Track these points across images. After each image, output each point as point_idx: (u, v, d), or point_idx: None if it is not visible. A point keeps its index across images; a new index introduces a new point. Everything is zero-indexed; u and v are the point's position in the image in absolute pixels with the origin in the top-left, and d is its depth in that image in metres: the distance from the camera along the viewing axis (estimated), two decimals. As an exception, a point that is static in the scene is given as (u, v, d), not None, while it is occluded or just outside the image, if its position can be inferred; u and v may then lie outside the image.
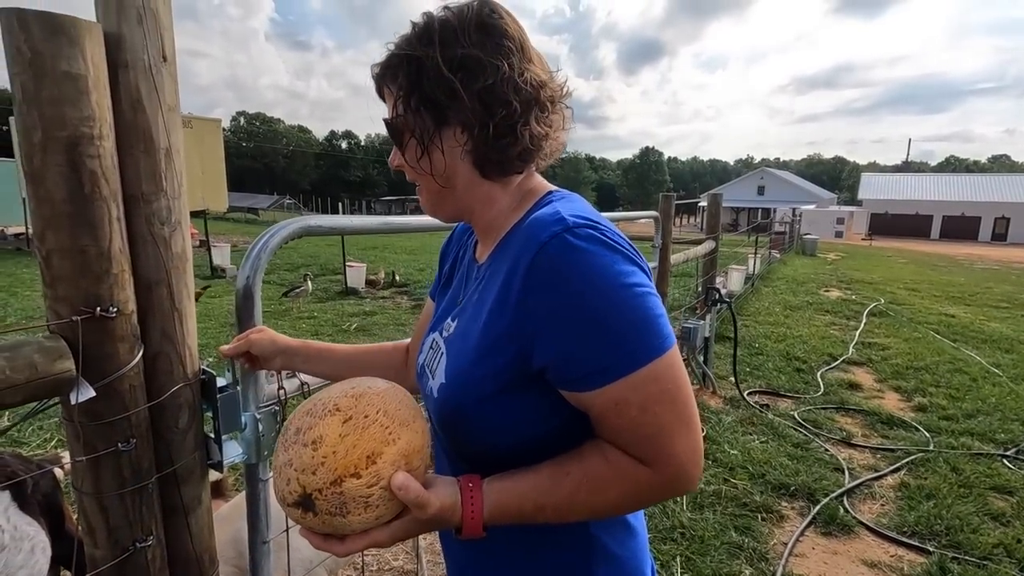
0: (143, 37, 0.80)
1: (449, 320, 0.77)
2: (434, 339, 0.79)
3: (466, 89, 0.64)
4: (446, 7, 0.68)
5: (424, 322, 0.96)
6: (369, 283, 9.20)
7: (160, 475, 0.90)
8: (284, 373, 1.06)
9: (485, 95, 0.65)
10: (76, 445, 0.81)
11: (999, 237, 38.54)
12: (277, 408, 1.07)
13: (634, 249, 0.63)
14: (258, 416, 1.03)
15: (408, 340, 1.11)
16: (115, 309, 0.79)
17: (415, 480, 0.59)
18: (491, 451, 0.67)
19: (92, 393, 0.77)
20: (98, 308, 0.77)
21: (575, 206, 0.66)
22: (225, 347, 0.97)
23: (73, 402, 0.77)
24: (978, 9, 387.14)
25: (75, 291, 0.76)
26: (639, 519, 0.79)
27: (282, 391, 1.07)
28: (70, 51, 0.70)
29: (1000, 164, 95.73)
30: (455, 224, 0.95)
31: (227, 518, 1.29)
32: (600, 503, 0.63)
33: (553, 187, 0.76)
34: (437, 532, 0.87)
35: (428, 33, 0.66)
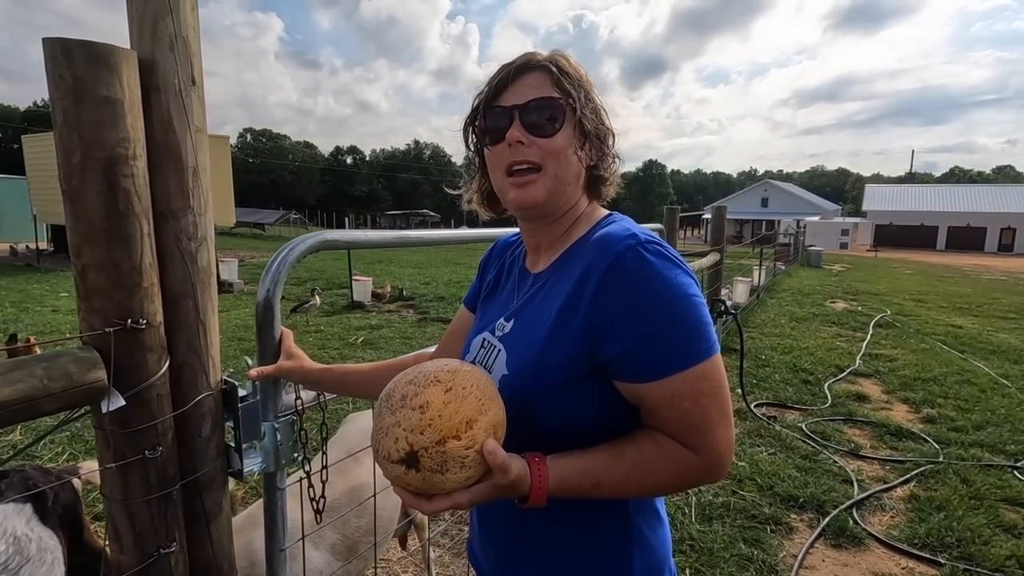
0: (174, 62, 0.84)
1: (503, 320, 0.85)
2: (485, 339, 0.86)
3: (607, 122, 0.82)
4: (569, 57, 0.83)
5: (458, 328, 1.03)
6: (375, 296, 9.25)
7: (184, 482, 0.93)
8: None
9: (613, 134, 0.84)
10: (106, 452, 0.84)
11: (1005, 248, 38.36)
12: (295, 418, 1.10)
13: (689, 266, 0.73)
14: (276, 426, 1.06)
15: (427, 351, 1.15)
16: (145, 321, 0.82)
17: (500, 447, 0.66)
18: (549, 437, 0.74)
19: (123, 402, 0.81)
20: (129, 320, 0.80)
21: (640, 228, 0.77)
22: (253, 371, 1.02)
23: (105, 411, 0.80)
24: (981, 21, 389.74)
25: (109, 304, 0.79)
26: (664, 510, 0.87)
27: (299, 401, 1.10)
28: (109, 77, 0.75)
29: (1004, 175, 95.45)
30: (478, 238, 0.99)
31: (240, 528, 1.31)
32: (650, 483, 0.71)
33: (611, 212, 0.88)
34: (475, 523, 0.95)
35: (578, 70, 0.81)
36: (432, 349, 1.16)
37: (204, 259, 0.92)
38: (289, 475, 1.16)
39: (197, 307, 0.92)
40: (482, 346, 0.86)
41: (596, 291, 0.70)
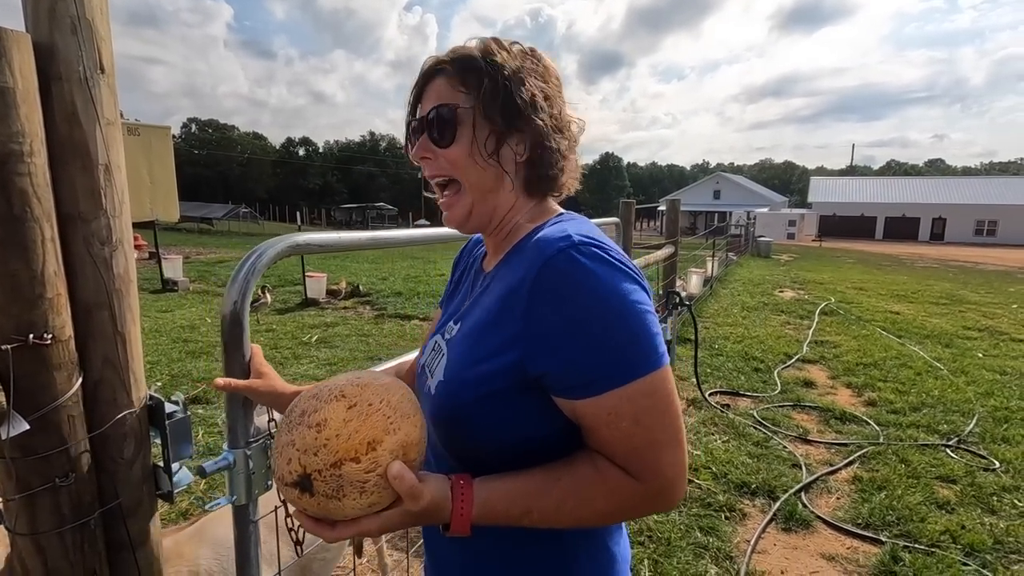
0: (78, 48, 0.75)
1: (452, 323, 0.79)
2: (436, 341, 0.81)
3: (546, 109, 0.73)
4: (514, 42, 0.75)
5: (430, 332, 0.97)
6: (330, 293, 9.01)
7: (104, 509, 0.85)
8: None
9: (556, 120, 0.74)
10: (8, 483, 0.76)
11: (936, 237, 40.82)
12: (269, 442, 1.01)
13: (636, 269, 0.66)
14: (248, 452, 0.97)
15: (407, 360, 1.10)
16: (50, 336, 0.74)
17: (410, 471, 0.60)
18: (483, 452, 0.69)
19: (25, 427, 0.72)
20: (31, 335, 0.72)
21: (582, 226, 0.69)
22: (221, 380, 0.91)
23: (3, 437, 0.72)
24: (914, 22, 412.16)
25: (5, 318, 0.71)
26: (621, 546, 0.79)
27: (272, 423, 1.00)
28: (-5, 63, 0.66)
29: (936, 168, 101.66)
30: (457, 236, 0.96)
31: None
32: (587, 512, 0.65)
33: (564, 210, 0.81)
34: (423, 538, 0.89)
35: (508, 51, 0.73)
36: (415, 355, 1.10)
37: (121, 265, 0.84)
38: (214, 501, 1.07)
39: (114, 318, 0.83)
40: (433, 348, 0.81)
41: (527, 300, 0.64)
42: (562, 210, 0.81)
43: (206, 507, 0.94)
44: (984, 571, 2.32)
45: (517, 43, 0.75)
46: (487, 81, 0.70)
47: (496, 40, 0.74)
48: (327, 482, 0.57)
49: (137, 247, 14.82)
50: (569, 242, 0.64)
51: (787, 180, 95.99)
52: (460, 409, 0.69)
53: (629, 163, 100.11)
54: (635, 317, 0.62)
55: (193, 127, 71.82)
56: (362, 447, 0.58)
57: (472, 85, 0.71)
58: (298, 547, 1.06)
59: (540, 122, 0.72)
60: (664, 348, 0.64)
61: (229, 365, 0.95)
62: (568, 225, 0.70)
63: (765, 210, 40.49)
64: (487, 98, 0.70)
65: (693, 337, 4.79)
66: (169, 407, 0.94)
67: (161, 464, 0.95)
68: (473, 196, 0.75)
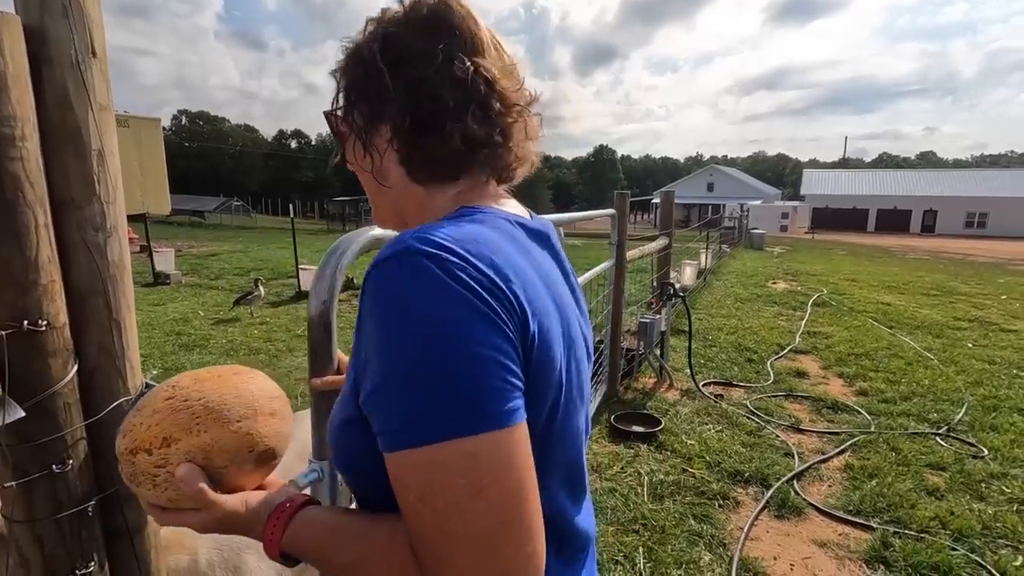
0: (69, 31, 0.75)
1: None
2: None
3: (393, 80, 0.59)
4: (401, 1, 0.64)
5: None
6: (324, 286, 8.97)
7: (101, 497, 0.85)
8: None
9: (411, 87, 0.58)
10: (4, 470, 0.76)
11: (928, 228, 41.10)
12: None
13: (499, 290, 0.48)
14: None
15: None
16: (44, 322, 0.74)
17: (201, 477, 0.58)
18: (362, 485, 0.59)
19: (21, 413, 0.72)
20: (25, 322, 0.72)
21: (447, 228, 0.51)
22: (318, 380, 0.86)
23: (0, 424, 0.71)
24: (907, 15, 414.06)
25: (-1, 304, 0.70)
26: None
27: None
28: (-14, 45, 0.65)
29: (927, 160, 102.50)
30: None
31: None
32: None
33: (482, 204, 0.63)
34: None
35: (374, 27, 0.63)
36: None
37: (115, 252, 0.83)
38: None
39: (109, 305, 0.83)
40: None
41: (359, 316, 0.52)
42: (481, 204, 0.63)
43: None
44: (972, 556, 2.36)
45: (402, 2, 0.64)
46: (343, 75, 0.64)
47: (382, 11, 0.65)
48: (125, 466, 0.60)
49: (128, 240, 14.67)
50: (400, 247, 0.49)
51: (780, 173, 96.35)
52: (331, 434, 0.59)
53: (623, 155, 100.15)
54: (444, 358, 0.45)
55: (183, 119, 71.14)
56: (156, 440, 0.58)
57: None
58: None
59: (395, 96, 0.59)
60: (506, 406, 0.46)
61: (317, 373, 0.88)
62: (430, 226, 0.52)
63: (758, 202, 40.60)
64: (347, 95, 0.64)
65: (687, 328, 4.82)
66: (165, 395, 0.93)
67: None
68: (371, 199, 0.69)
